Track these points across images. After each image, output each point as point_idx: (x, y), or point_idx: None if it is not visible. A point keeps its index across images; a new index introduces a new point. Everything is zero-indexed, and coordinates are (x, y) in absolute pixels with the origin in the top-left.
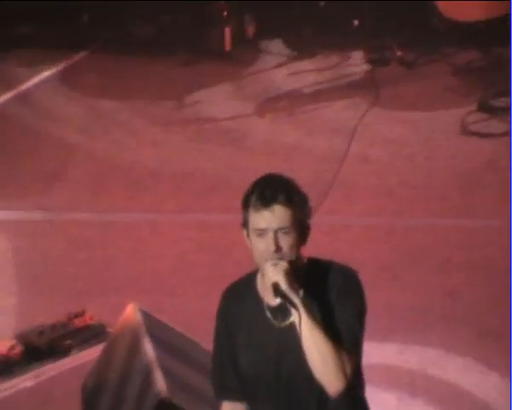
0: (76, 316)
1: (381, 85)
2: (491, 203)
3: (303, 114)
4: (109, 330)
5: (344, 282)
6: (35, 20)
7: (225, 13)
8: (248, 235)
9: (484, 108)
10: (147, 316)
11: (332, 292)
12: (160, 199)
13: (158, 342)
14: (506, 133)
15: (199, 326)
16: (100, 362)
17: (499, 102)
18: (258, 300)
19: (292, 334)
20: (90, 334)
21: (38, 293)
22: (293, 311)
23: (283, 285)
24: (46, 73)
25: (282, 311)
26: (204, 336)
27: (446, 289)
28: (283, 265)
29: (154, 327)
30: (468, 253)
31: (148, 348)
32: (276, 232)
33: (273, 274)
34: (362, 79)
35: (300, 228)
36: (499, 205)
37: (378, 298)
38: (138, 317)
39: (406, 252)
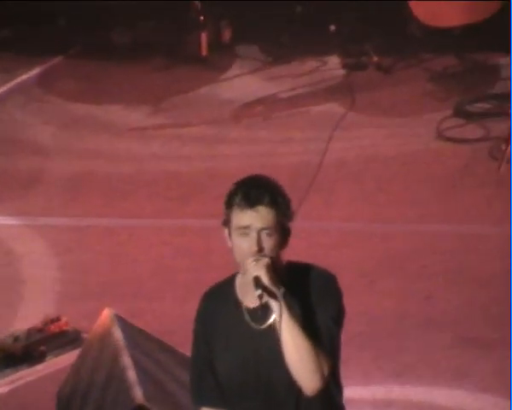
0: (51, 322)
1: (357, 91)
2: (468, 209)
3: (279, 119)
4: (84, 335)
5: (323, 285)
6: (11, 24)
7: (202, 18)
8: (230, 234)
9: (460, 113)
10: (122, 321)
11: (311, 295)
12: (138, 204)
13: (133, 347)
14: (482, 138)
15: (177, 331)
16: (75, 368)
17: (475, 108)
18: (236, 303)
19: (270, 337)
20: (65, 340)
21: (15, 298)
22: (274, 305)
23: (265, 279)
24: (22, 78)
25: (261, 313)
26: (182, 341)
27: (423, 295)
28: (265, 260)
29: (130, 333)
30: (445, 258)
31: (124, 354)
32: (259, 232)
33: (254, 269)
34: (338, 85)
35: (282, 231)
36: (476, 210)
37: (355, 304)
38: (113, 322)
39: (383, 258)
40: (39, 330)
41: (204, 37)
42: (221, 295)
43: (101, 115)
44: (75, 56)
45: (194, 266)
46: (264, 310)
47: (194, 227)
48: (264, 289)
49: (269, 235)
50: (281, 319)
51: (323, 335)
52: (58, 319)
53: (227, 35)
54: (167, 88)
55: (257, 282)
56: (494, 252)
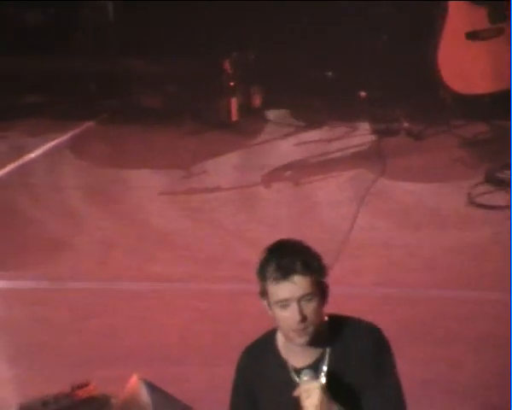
0: (80, 387)
1: (387, 156)
2: (498, 275)
3: (310, 184)
4: (113, 401)
5: (375, 344)
6: (42, 89)
7: (232, 83)
8: (269, 305)
9: (490, 180)
10: (150, 387)
11: (364, 354)
12: (166, 268)
13: None
14: None
15: (205, 396)
16: None
17: (505, 175)
18: (280, 360)
19: None
20: (94, 405)
21: (43, 363)
22: None
23: None
24: (53, 143)
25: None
26: (210, 407)
27: (449, 362)
28: (316, 393)
29: (158, 399)
30: (473, 325)
31: None
32: (299, 301)
33: (309, 406)
34: (369, 150)
35: (321, 291)
36: (506, 277)
37: None
38: (142, 388)
39: (410, 323)
40: (67, 396)
41: (234, 102)
42: (263, 351)
43: (132, 180)
44: (106, 121)
45: (222, 330)
46: (312, 369)
47: (223, 291)
48: None
49: (309, 300)
50: None
51: (389, 395)
52: (86, 385)
53: (257, 100)
54: (197, 153)
55: None
56: None
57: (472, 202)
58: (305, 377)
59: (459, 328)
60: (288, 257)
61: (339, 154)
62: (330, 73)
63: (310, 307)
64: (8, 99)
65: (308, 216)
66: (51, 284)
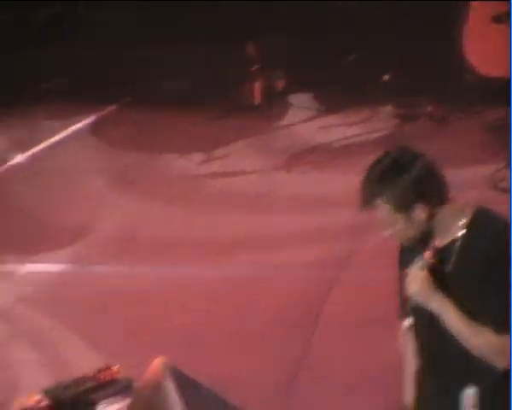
0: (103, 370)
1: (410, 140)
2: None
3: (331, 168)
4: (136, 384)
5: (499, 250)
6: (65, 73)
7: (255, 67)
8: None
9: None
10: (174, 370)
11: (486, 253)
12: (188, 253)
13: (185, 397)
14: None
15: (226, 380)
16: None
17: None
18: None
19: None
20: (117, 388)
21: (68, 347)
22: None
23: (416, 298)
24: (76, 126)
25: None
26: (232, 390)
27: None
28: (416, 283)
29: (182, 382)
30: None
31: (176, 404)
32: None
33: (408, 287)
34: (391, 134)
35: (403, 208)
36: None
37: None
38: (165, 371)
39: None
40: (90, 379)
41: (257, 86)
42: None
43: (154, 163)
44: (128, 105)
45: (243, 315)
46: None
47: (243, 276)
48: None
49: (391, 224)
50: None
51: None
52: (109, 368)
53: (280, 84)
54: (220, 136)
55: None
56: None
57: (495, 186)
58: (419, 263)
59: None
60: (364, 187)
61: (361, 138)
62: (353, 56)
63: (394, 229)
64: (31, 83)
65: (330, 199)
66: (76, 267)
